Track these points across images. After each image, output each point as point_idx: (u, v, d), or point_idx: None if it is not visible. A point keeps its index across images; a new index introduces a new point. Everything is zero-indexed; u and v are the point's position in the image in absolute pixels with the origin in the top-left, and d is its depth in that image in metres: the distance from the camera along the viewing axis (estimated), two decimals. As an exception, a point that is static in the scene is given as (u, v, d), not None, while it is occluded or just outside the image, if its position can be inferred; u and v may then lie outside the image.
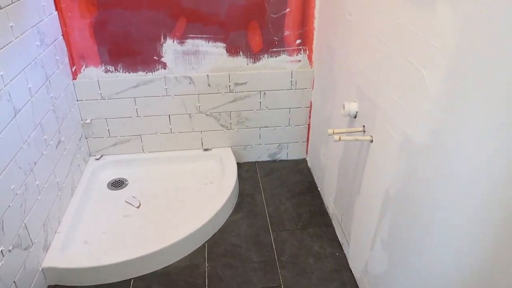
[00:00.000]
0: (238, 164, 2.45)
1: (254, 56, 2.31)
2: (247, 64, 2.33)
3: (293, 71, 2.37)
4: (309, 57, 2.36)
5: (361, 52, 1.61)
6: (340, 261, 1.89)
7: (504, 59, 0.82)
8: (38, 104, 1.77)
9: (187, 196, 2.26)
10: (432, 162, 1.11)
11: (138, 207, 2.16)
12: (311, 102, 2.47)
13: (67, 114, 2.11)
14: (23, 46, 1.67)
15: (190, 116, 2.42)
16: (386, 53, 1.37)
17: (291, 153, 2.65)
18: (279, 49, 2.31)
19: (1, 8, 1.50)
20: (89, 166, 2.37)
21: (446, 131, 1.04)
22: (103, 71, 2.24)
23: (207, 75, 2.31)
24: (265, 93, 2.40)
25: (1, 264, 1.41)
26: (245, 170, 2.54)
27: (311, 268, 1.86)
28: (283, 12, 2.21)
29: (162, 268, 1.86)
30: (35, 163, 1.71)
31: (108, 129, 2.38)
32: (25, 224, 1.59)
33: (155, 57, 2.23)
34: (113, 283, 1.79)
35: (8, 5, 1.55)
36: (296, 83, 2.41)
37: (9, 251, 1.46)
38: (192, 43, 2.23)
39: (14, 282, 1.49)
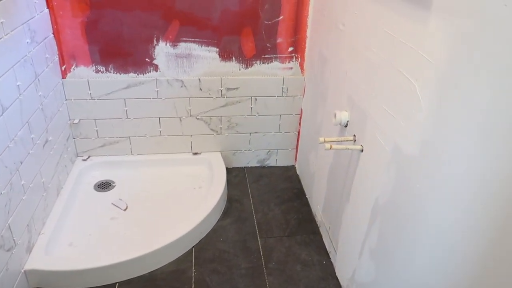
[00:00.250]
0: (227, 169, 2.45)
1: (247, 61, 2.32)
2: (239, 70, 2.33)
3: (284, 78, 2.39)
4: (301, 65, 2.37)
5: (352, 62, 1.63)
6: (327, 269, 1.90)
7: (493, 72, 0.84)
8: (26, 102, 1.74)
9: (175, 200, 2.24)
10: (422, 173, 1.13)
11: (125, 209, 2.13)
12: (301, 109, 2.48)
13: (55, 114, 2.08)
14: (13, 43, 1.64)
15: (180, 120, 2.40)
16: (377, 63, 1.39)
17: (280, 160, 2.66)
18: (272, 55, 2.32)
19: (-8, 4, 1.47)
20: (75, 167, 2.33)
21: (437, 143, 1.05)
22: (93, 71, 2.22)
23: (199, 79, 2.31)
24: (256, 99, 2.41)
25: (-17, 265, 1.37)
26: (234, 175, 2.54)
27: (298, 276, 1.86)
28: (277, 19, 2.22)
29: (148, 273, 1.84)
30: (21, 162, 1.68)
31: (97, 130, 2.35)
32: (8, 224, 1.55)
33: (147, 59, 2.22)
34: (98, 287, 1.76)
35: (-1, 1, 1.53)
36: (287, 90, 2.42)
37: (-8, 252, 1.43)
38: (185, 47, 2.22)
39: (-5, 284, 1.46)
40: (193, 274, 1.83)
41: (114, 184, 2.33)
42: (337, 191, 1.83)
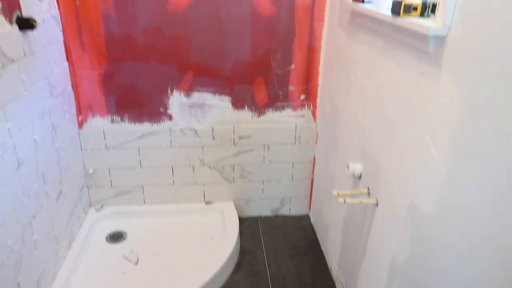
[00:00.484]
0: (240, 218, 2.40)
1: (259, 110, 2.34)
2: (252, 118, 2.35)
3: (297, 126, 2.39)
4: (313, 113, 2.38)
5: (364, 113, 1.62)
6: (345, 328, 1.80)
7: (508, 131, 0.82)
8: (42, 155, 1.77)
9: (186, 252, 2.19)
10: (440, 233, 1.07)
11: (136, 263, 2.09)
12: (314, 157, 2.46)
13: (70, 164, 2.10)
14: (33, 98, 1.69)
15: (193, 168, 2.40)
16: (389, 117, 1.37)
17: (294, 209, 2.61)
18: (284, 103, 2.34)
19: (13, 61, 1.53)
20: (88, 217, 2.33)
21: (454, 202, 1.01)
22: (109, 121, 2.26)
23: (212, 128, 2.33)
24: (269, 147, 2.40)
25: (-12, 326, 1.34)
26: (247, 225, 2.49)
27: (314, 335, 1.76)
28: (288, 68, 2.25)
29: (157, 330, 1.77)
30: (34, 216, 1.68)
31: (111, 180, 2.37)
32: (18, 282, 1.53)
33: (161, 109, 2.26)
34: None
35: (21, 58, 1.59)
36: (300, 137, 2.41)
37: (-2, 311, 1.40)
38: (198, 96, 2.26)
39: None
40: (203, 333, 1.76)
41: (126, 235, 2.30)
42: (353, 245, 1.76)
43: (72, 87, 2.14)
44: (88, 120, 2.24)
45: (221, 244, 2.15)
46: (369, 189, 1.55)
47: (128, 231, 2.33)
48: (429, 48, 1.13)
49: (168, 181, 2.42)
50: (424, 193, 1.15)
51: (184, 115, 2.29)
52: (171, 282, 1.96)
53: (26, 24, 1.56)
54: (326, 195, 2.22)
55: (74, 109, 2.18)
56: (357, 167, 1.64)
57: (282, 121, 2.37)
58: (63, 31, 2.01)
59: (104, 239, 2.27)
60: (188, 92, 2.24)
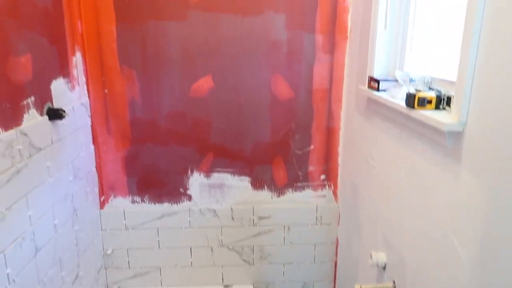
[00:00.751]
0: (259, 304, 2.29)
1: (279, 190, 2.31)
2: (272, 198, 2.32)
3: (318, 206, 2.33)
4: (334, 193, 2.33)
5: (384, 199, 1.57)
6: None
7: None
8: (61, 240, 1.77)
9: None
10: None
11: None
12: (337, 238, 2.37)
13: (89, 245, 2.09)
14: (56, 183, 1.73)
15: (212, 250, 2.35)
16: (410, 207, 1.32)
17: (317, 293, 2.47)
18: (304, 183, 2.31)
19: (40, 150, 1.59)
20: (103, 300, 2.27)
21: (487, 314, 0.92)
22: (130, 201, 2.28)
23: (231, 208, 2.31)
24: (289, 228, 2.34)
25: None
26: (267, 311, 2.36)
27: None
28: (307, 149, 2.26)
29: None
30: (47, 304, 1.64)
31: (128, 260, 2.33)
32: None
33: (181, 189, 2.27)
34: None
35: (48, 145, 1.65)
36: (321, 218, 2.35)
37: None
38: (217, 177, 2.27)
39: None
40: None
41: (140, 320, 2.21)
42: None
43: (96, 168, 2.20)
44: (109, 200, 2.27)
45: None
46: (394, 283, 1.46)
47: (142, 317, 2.24)
48: (446, 142, 1.11)
49: (186, 263, 2.36)
50: (453, 296, 1.06)
51: (203, 196, 2.29)
52: None
53: (55, 114, 1.65)
54: (350, 280, 2.09)
55: (97, 190, 2.22)
56: (380, 256, 1.56)
57: (303, 201, 2.33)
58: (91, 117, 2.11)
59: (118, 326, 2.18)
60: (208, 173, 2.26)
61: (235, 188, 2.29)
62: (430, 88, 1.33)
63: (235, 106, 2.16)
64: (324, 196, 2.34)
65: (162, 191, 2.27)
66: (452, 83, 1.18)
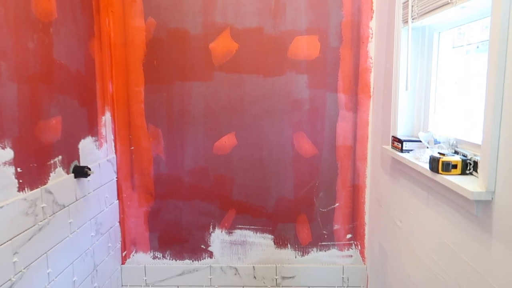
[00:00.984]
0: None
1: (303, 249, 2.23)
2: (295, 257, 2.24)
3: (344, 267, 2.22)
4: (362, 253, 2.22)
5: (412, 265, 1.47)
6: None
7: None
8: (78, 298, 1.75)
9: None
10: None
11: None
12: (365, 303, 2.23)
13: (107, 304, 2.06)
14: (77, 239, 1.74)
15: (232, 311, 2.25)
16: (438, 277, 1.23)
17: None
18: (329, 243, 2.23)
19: (64, 207, 1.62)
20: None
21: None
22: (151, 257, 2.26)
23: (253, 267, 2.23)
24: (314, 290, 2.23)
25: None
26: None
27: None
28: (332, 206, 2.19)
29: None
30: None
31: (146, 320, 2.27)
32: None
33: (202, 246, 2.24)
34: None
35: (72, 203, 1.68)
36: (348, 280, 2.22)
37: None
38: (239, 234, 2.23)
39: None
40: None
41: None
42: None
43: (120, 223, 2.21)
44: (131, 256, 2.25)
45: None
46: None
47: None
48: (474, 211, 1.04)
49: (205, 325, 2.27)
50: None
51: (225, 253, 2.24)
52: None
53: (81, 172, 1.69)
54: None
55: (119, 245, 2.21)
56: (410, 331, 1.44)
57: (328, 261, 2.23)
58: (117, 172, 2.16)
59: None
60: (230, 229, 2.22)
61: (258, 245, 2.23)
62: (455, 151, 1.28)
63: (258, 163, 2.15)
64: (351, 256, 2.23)
65: (184, 247, 2.24)
66: (478, 146, 1.13)
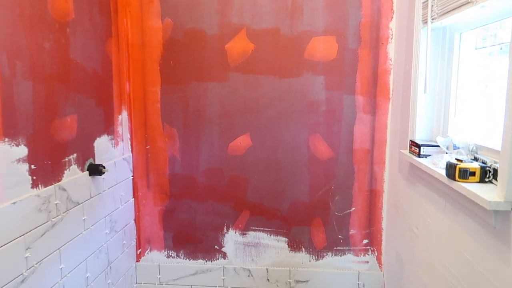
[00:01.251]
0: None
1: (317, 253, 2.19)
2: (310, 261, 2.20)
3: (360, 273, 2.17)
4: (378, 259, 2.17)
5: (428, 274, 1.42)
6: None
7: None
8: (91, 294, 1.77)
9: None
10: None
11: None
12: (381, 311, 2.17)
13: (120, 301, 2.08)
14: (91, 236, 1.76)
15: (244, 313, 2.24)
16: (457, 292, 1.17)
17: None
18: (345, 248, 2.18)
19: (78, 204, 1.64)
20: None
21: None
22: (165, 256, 2.27)
23: (267, 269, 2.21)
24: (327, 296, 2.18)
25: None
26: None
27: None
28: (348, 211, 2.15)
29: None
30: None
31: (159, 318, 2.28)
32: None
33: (216, 246, 2.23)
34: None
35: (86, 200, 1.70)
36: (364, 286, 2.17)
37: None
38: (253, 235, 2.21)
39: None
40: None
41: None
42: None
43: (135, 221, 2.23)
44: (146, 253, 2.27)
45: None
46: None
47: None
48: (492, 221, 0.99)
49: (217, 326, 2.26)
50: None
51: (238, 254, 2.22)
52: None
53: (95, 170, 1.71)
54: None
55: (134, 243, 2.23)
56: None
57: (343, 266, 2.19)
58: (133, 171, 2.18)
59: None
60: (244, 231, 2.21)
61: (271, 248, 2.21)
62: (475, 158, 1.22)
63: (273, 165, 2.13)
64: (367, 262, 2.18)
65: (198, 247, 2.24)
66: (499, 152, 1.07)
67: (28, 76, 1.32)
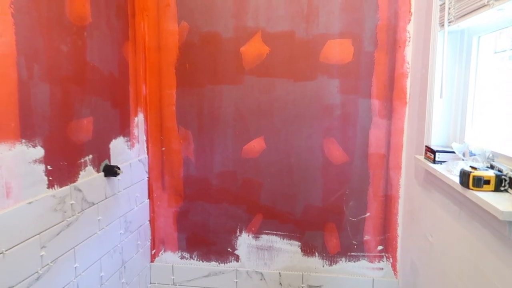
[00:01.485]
0: None
1: (331, 258, 2.17)
2: (323, 266, 2.18)
3: (374, 280, 2.14)
4: (393, 266, 2.12)
5: (443, 285, 1.38)
6: None
7: None
8: (105, 293, 1.80)
9: None
10: None
11: None
12: (395, 319, 2.12)
13: (134, 300, 2.11)
14: (106, 236, 1.79)
15: (256, 317, 2.23)
16: (470, 303, 1.14)
17: None
18: (359, 253, 2.15)
19: (93, 204, 1.67)
20: None
21: None
22: (179, 257, 2.29)
23: (279, 273, 2.20)
24: (341, 302, 2.16)
25: None
26: None
27: None
28: (363, 216, 2.12)
29: None
30: None
31: (173, 318, 2.30)
32: None
33: (229, 249, 2.23)
34: None
35: (101, 200, 1.73)
36: (378, 293, 2.13)
37: None
38: (266, 239, 2.20)
39: None
40: None
41: None
42: None
43: (150, 222, 2.26)
44: (160, 254, 2.30)
45: None
46: None
47: None
48: (507, 232, 0.95)
49: (229, 329, 2.26)
50: None
51: (251, 257, 2.22)
52: None
53: (110, 171, 1.74)
54: None
55: (148, 243, 2.26)
56: None
57: (357, 273, 2.15)
58: (149, 172, 2.21)
59: None
60: (257, 234, 2.20)
61: (284, 252, 2.20)
62: (491, 165, 1.18)
63: (286, 168, 2.12)
64: (382, 269, 2.14)
65: (211, 249, 2.25)
66: (516, 161, 1.04)
67: (45, 79, 1.36)
